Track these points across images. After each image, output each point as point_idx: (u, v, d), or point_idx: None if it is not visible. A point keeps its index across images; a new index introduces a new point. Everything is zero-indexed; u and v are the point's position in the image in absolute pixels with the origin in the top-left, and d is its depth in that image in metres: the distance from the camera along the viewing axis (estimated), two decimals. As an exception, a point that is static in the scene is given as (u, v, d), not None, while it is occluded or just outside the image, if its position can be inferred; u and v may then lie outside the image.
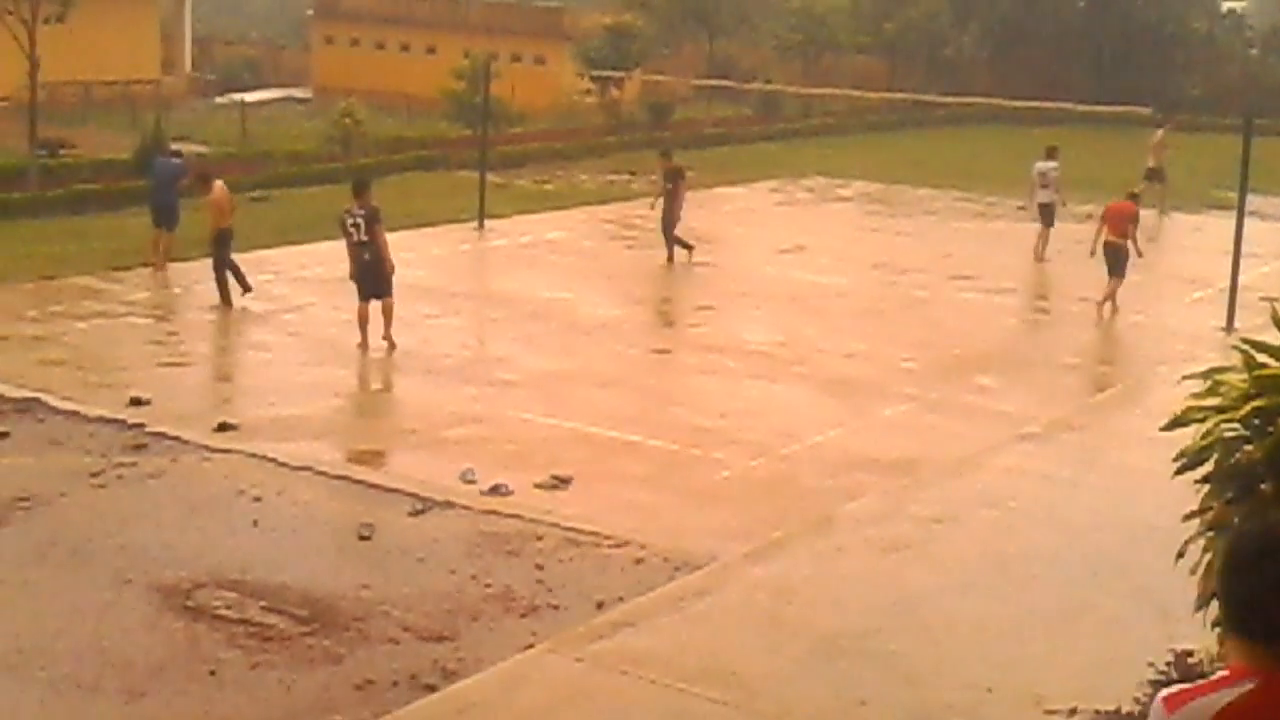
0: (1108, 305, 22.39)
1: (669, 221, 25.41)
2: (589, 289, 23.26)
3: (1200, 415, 8.31)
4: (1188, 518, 8.43)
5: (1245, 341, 8.45)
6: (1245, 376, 8.21)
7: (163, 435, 14.71)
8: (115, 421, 15.08)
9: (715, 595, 11.15)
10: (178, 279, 22.24)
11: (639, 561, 11.96)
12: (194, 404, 16.39)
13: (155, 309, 20.70)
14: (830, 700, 9.46)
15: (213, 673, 9.80)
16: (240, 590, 11.09)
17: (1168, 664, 8.96)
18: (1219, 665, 8.42)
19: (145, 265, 22.91)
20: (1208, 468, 8.25)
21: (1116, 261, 22.56)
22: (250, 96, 48.71)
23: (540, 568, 11.77)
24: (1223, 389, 8.32)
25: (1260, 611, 3.72)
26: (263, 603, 10.88)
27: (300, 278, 22.60)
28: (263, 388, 16.86)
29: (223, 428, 15.04)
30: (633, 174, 35.39)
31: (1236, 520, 8.05)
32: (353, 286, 18.83)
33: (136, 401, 15.77)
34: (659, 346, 20.03)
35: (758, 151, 42.38)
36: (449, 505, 13.08)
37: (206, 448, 14.44)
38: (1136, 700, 8.86)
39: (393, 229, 20.50)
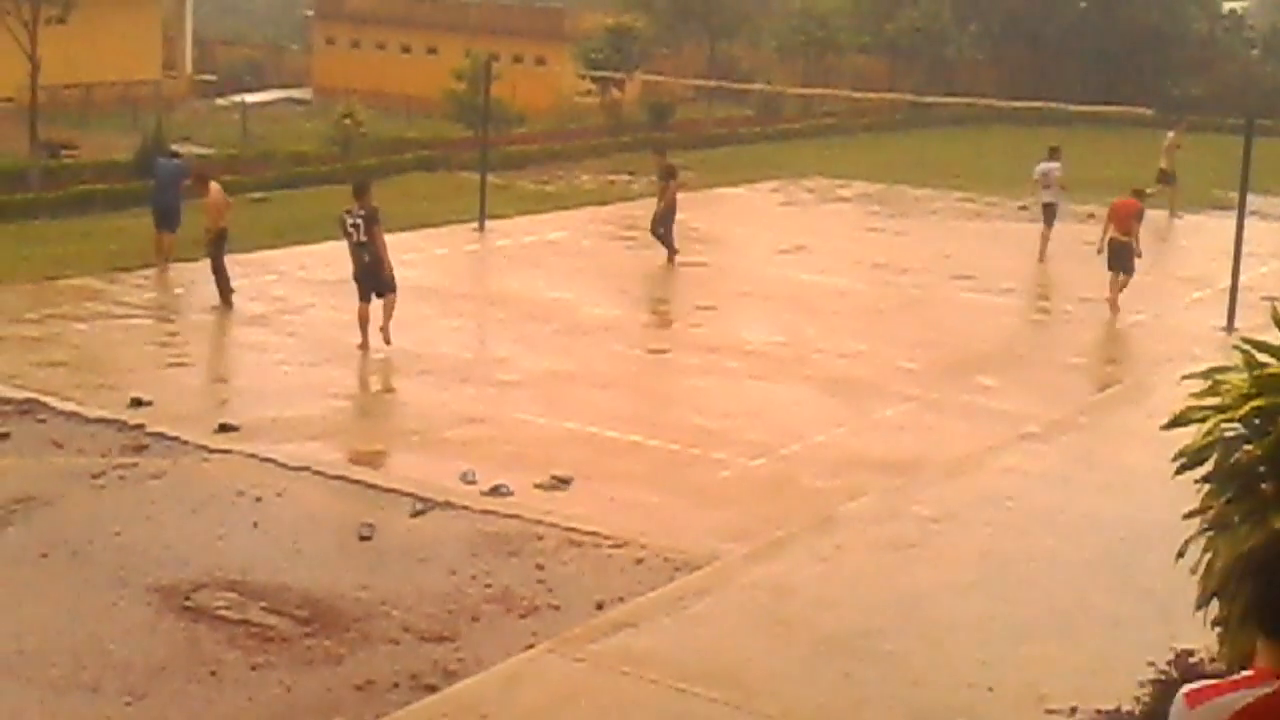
0: (1118, 300, 22.40)
1: (660, 219, 25.34)
2: (590, 289, 23.26)
3: (1200, 415, 8.31)
4: (1188, 517, 8.43)
5: (1245, 341, 8.46)
6: (1245, 376, 8.21)
7: (163, 436, 14.71)
8: (116, 422, 15.09)
9: (716, 595, 11.14)
10: (179, 280, 22.24)
11: (639, 561, 11.96)
12: (194, 405, 16.39)
13: (156, 310, 20.70)
14: (831, 700, 9.46)
15: (213, 674, 9.80)
16: (241, 591, 11.09)
17: (1168, 663, 8.95)
18: (1218, 664, 8.44)
19: (147, 266, 22.92)
20: (1208, 467, 8.25)
21: (1121, 259, 22.57)
22: (251, 98, 48.74)
23: (541, 568, 11.77)
24: (1223, 388, 8.32)
25: None
26: (263, 603, 10.88)
27: (301, 279, 22.60)
28: (263, 389, 16.86)
29: (223, 429, 15.04)
30: (633, 174, 35.40)
31: (1237, 519, 8.06)
32: (353, 287, 18.83)
33: (137, 402, 15.78)
34: (659, 347, 20.04)
35: (758, 152, 42.39)
36: (449, 506, 13.08)
37: (207, 449, 14.44)
38: (1137, 699, 8.86)
39: (394, 230, 20.52)
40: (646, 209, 27.02)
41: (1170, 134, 33.62)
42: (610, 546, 12.24)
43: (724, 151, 42.13)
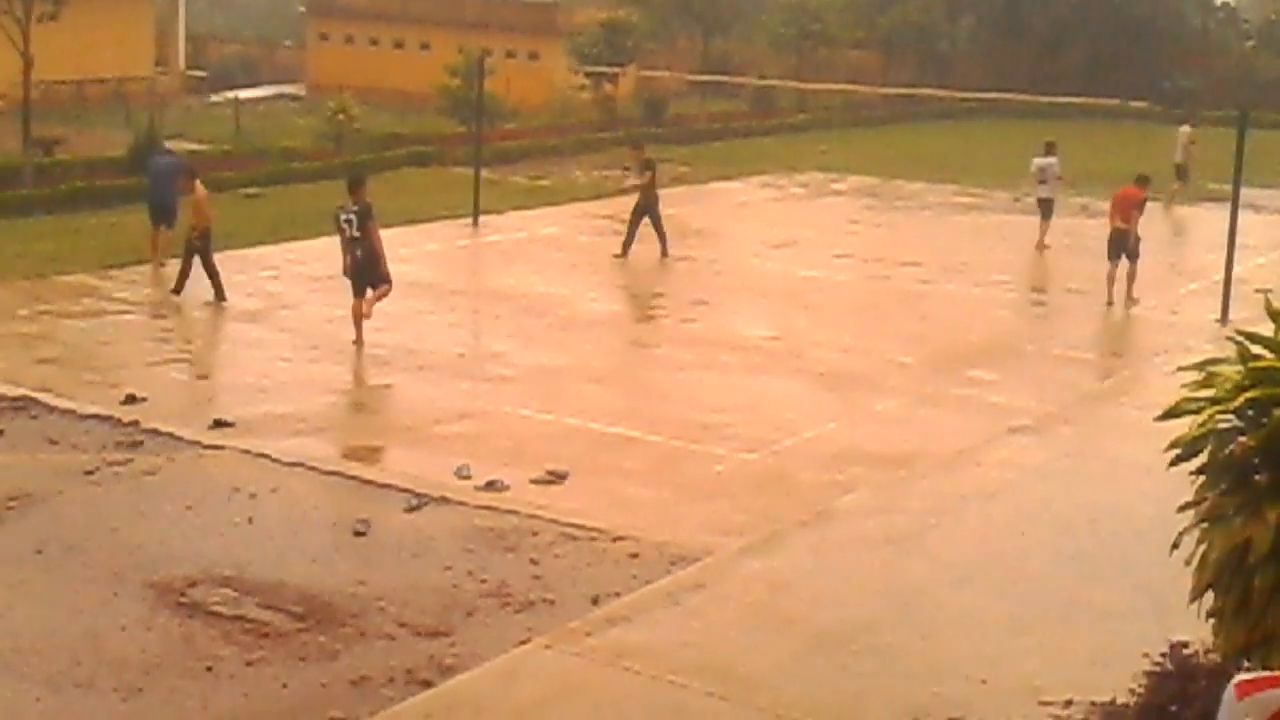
0: (1118, 293, 22.43)
1: (645, 211, 25.27)
2: (583, 284, 23.26)
3: (1195, 407, 8.30)
4: (1182, 509, 8.43)
5: (1239, 333, 8.44)
6: (1239, 368, 8.21)
7: (157, 432, 14.70)
8: (110, 419, 15.08)
9: (711, 589, 11.14)
10: (173, 276, 22.18)
11: (634, 556, 11.96)
12: (189, 401, 16.39)
13: (150, 306, 20.67)
14: (826, 694, 9.46)
15: (209, 669, 9.79)
16: (236, 587, 11.08)
17: (1163, 655, 8.94)
18: (1214, 656, 8.45)
19: (141, 262, 22.90)
20: (1202, 459, 8.25)
21: (1121, 248, 22.59)
22: (245, 94, 48.72)
23: (536, 563, 11.77)
24: (1217, 380, 8.32)
25: None
26: (258, 599, 10.87)
27: (295, 274, 22.59)
28: (257, 384, 16.85)
29: (217, 425, 15.04)
30: (627, 169, 35.35)
31: (1231, 511, 8.06)
32: (347, 282, 18.82)
33: (131, 399, 15.77)
34: (653, 341, 20.03)
35: (752, 146, 42.39)
36: (444, 501, 13.08)
37: (201, 445, 14.43)
38: (1132, 691, 8.86)
39: (387, 225, 20.51)
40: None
41: (1185, 128, 33.64)
42: (605, 541, 12.25)
43: (717, 146, 42.15)
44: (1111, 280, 22.64)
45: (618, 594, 11.11)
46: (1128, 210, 22.81)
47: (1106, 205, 24.02)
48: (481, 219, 28.02)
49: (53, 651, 9.97)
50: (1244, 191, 22.63)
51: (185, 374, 17.77)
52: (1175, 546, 8.41)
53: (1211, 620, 8.20)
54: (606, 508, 13.04)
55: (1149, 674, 8.81)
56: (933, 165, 38.07)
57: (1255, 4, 65.27)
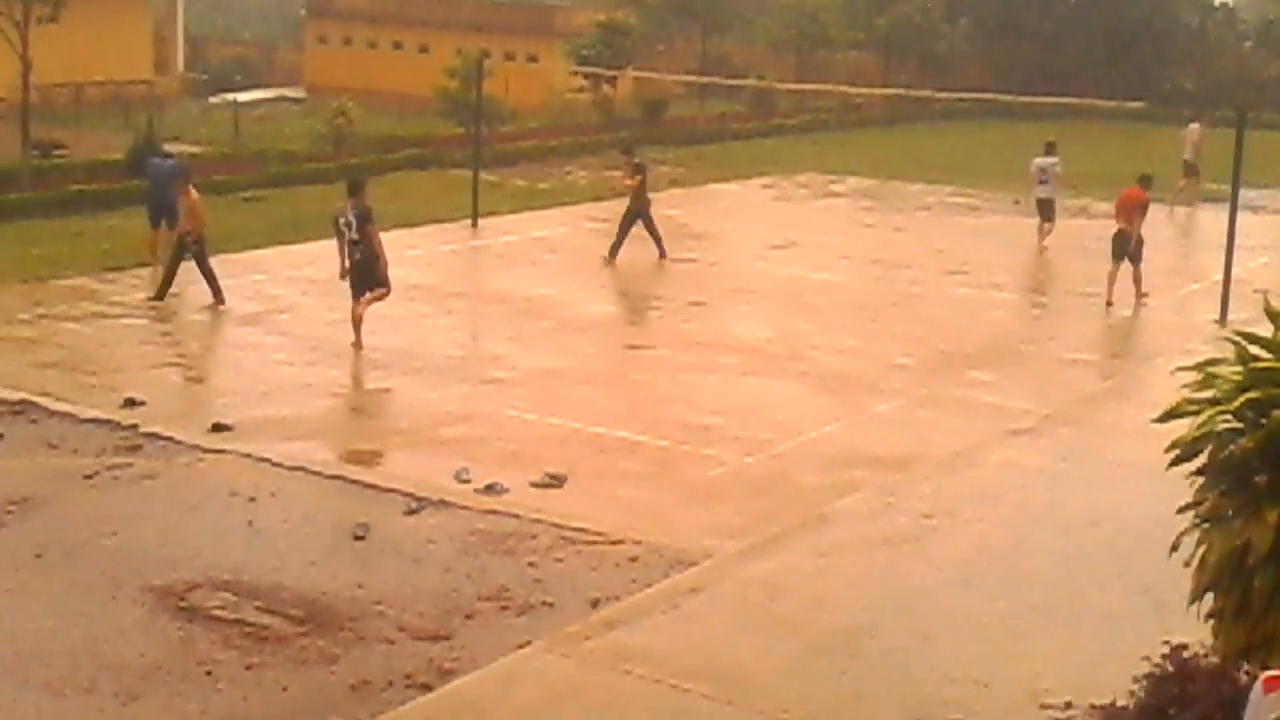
0: (1119, 294, 22.44)
1: (635, 217, 25.23)
2: (582, 286, 23.26)
3: (1194, 408, 8.31)
4: (1182, 510, 8.44)
5: (1238, 334, 8.45)
6: (1239, 369, 8.22)
7: (157, 436, 14.70)
8: (109, 423, 15.08)
9: (710, 592, 11.15)
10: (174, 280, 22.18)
11: (634, 559, 11.97)
12: (188, 405, 16.39)
13: (149, 310, 20.64)
14: (826, 696, 9.46)
15: (208, 674, 9.80)
16: (235, 591, 11.08)
17: (1163, 657, 8.94)
18: (1213, 658, 8.45)
19: (140, 266, 22.88)
20: (1201, 460, 8.25)
21: (1123, 249, 22.59)
22: (243, 96, 48.66)
23: (535, 566, 11.78)
24: (1216, 381, 8.32)
25: None
26: (258, 603, 10.88)
27: (293, 277, 22.57)
28: (257, 388, 16.84)
29: (217, 428, 15.03)
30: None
31: (1230, 513, 8.06)
32: (345, 286, 18.82)
33: (130, 403, 15.77)
34: (652, 343, 20.02)
35: (751, 148, 42.38)
36: (444, 504, 13.08)
37: (201, 448, 14.43)
38: (1131, 693, 8.86)
39: (386, 228, 20.51)
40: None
41: (1194, 126, 33.61)
42: (604, 544, 12.25)
43: (716, 147, 42.14)
44: (1112, 280, 22.62)
45: (617, 597, 11.12)
46: (1130, 212, 22.81)
47: (1105, 206, 24.03)
48: (480, 221, 28.01)
49: (52, 656, 9.97)
50: (1243, 192, 22.62)
51: (184, 377, 17.76)
52: (1175, 548, 8.42)
53: (1211, 622, 8.21)
54: (606, 511, 13.04)
55: (1148, 676, 8.81)
56: (931, 166, 38.06)
57: (1253, 4, 65.26)
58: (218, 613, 10.71)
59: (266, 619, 10.63)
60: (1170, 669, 8.74)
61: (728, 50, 56.34)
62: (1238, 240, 22.20)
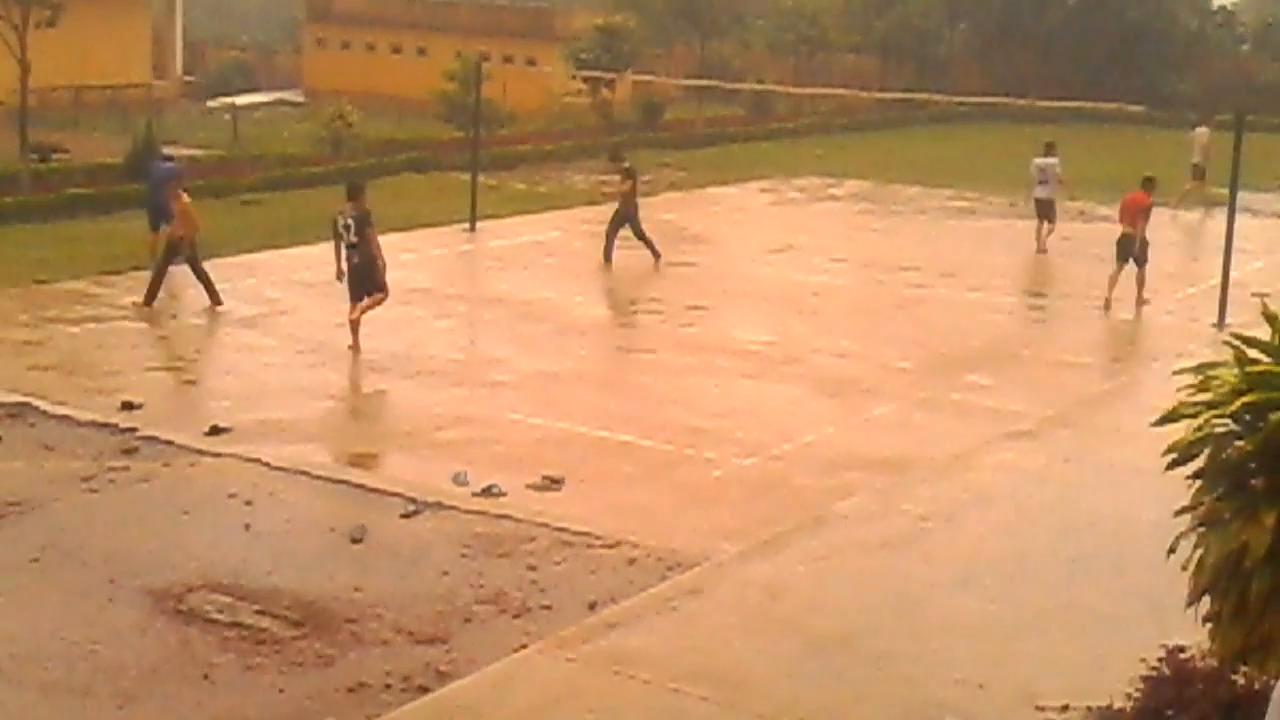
0: (1119, 295, 22.43)
1: (623, 222, 25.19)
2: (581, 290, 23.27)
3: (1191, 411, 8.30)
4: (1179, 513, 8.43)
5: (1236, 337, 8.44)
6: (1236, 372, 8.21)
7: (154, 439, 14.69)
8: (107, 426, 15.07)
9: (708, 595, 11.15)
10: (170, 283, 22.14)
11: (631, 562, 11.97)
12: (186, 408, 16.39)
13: (147, 313, 20.62)
14: (823, 699, 9.46)
15: (205, 676, 9.80)
16: (232, 594, 11.08)
17: (1160, 660, 8.94)
18: (1210, 660, 8.45)
19: (138, 269, 22.84)
20: (1199, 463, 8.25)
21: (1127, 252, 22.59)
22: (242, 100, 48.67)
23: (532, 569, 11.77)
24: (1214, 384, 8.32)
25: None
26: (255, 606, 10.87)
27: (292, 280, 22.56)
28: (254, 391, 16.83)
29: (214, 431, 15.02)
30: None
31: (1228, 516, 8.06)
32: (343, 289, 18.83)
33: (128, 406, 15.76)
34: (650, 346, 20.01)
35: (749, 151, 42.40)
36: (441, 507, 13.08)
37: (198, 451, 14.42)
38: (1128, 696, 8.86)
39: (385, 231, 20.49)
40: (639, 208, 26.90)
41: (1202, 130, 33.58)
42: (602, 547, 12.25)
43: (715, 151, 42.15)
44: (1113, 283, 22.63)
45: (614, 600, 11.12)
46: (1134, 215, 22.81)
47: (1104, 210, 24.04)
48: (479, 224, 28.00)
49: (49, 658, 9.96)
50: (1241, 195, 22.63)
51: (182, 380, 17.76)
52: (1172, 551, 8.41)
53: (1208, 624, 8.20)
54: (603, 513, 13.04)
55: (1145, 678, 8.81)
56: (929, 169, 38.07)
57: (1251, 7, 65.31)
58: (215, 615, 10.71)
59: (264, 621, 10.63)
60: (1167, 671, 8.74)
61: (726, 54, 56.35)
62: (1236, 244, 22.22)
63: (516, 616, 10.89)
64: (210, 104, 49.70)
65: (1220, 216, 29.59)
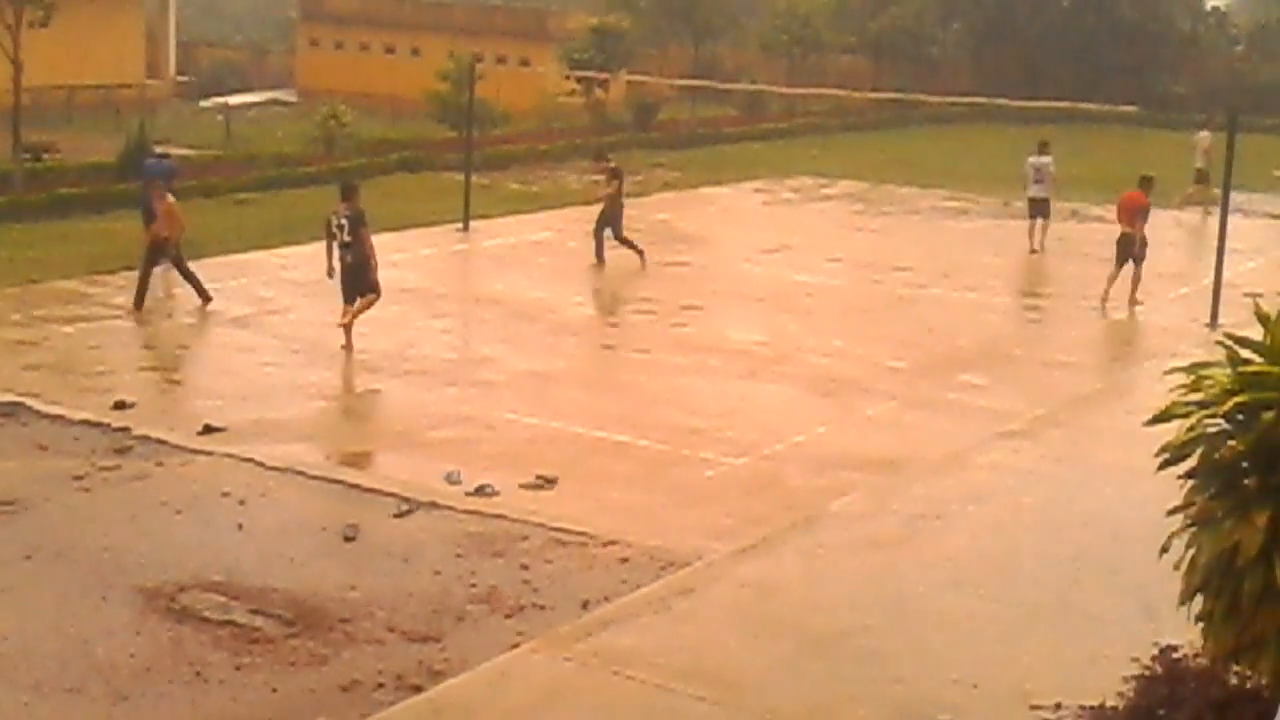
0: (1115, 295, 22.45)
1: (608, 223, 25.14)
2: (574, 290, 23.27)
3: (1184, 410, 8.32)
4: (1172, 513, 8.44)
5: (1229, 337, 8.46)
6: (1229, 372, 8.22)
7: (147, 438, 14.68)
8: (99, 425, 15.06)
9: (701, 594, 11.14)
10: (162, 282, 22.15)
11: (624, 561, 11.97)
12: (178, 407, 16.38)
13: (137, 313, 20.60)
14: (817, 697, 9.46)
15: (198, 675, 9.79)
16: (225, 592, 11.07)
17: (1152, 659, 8.96)
18: (1202, 659, 8.46)
19: (130, 268, 22.78)
20: (1191, 463, 8.26)
21: (1128, 252, 22.60)
22: (235, 99, 48.65)
23: (526, 568, 11.77)
24: (1206, 384, 8.33)
25: None
26: (248, 605, 10.87)
27: (285, 280, 22.55)
28: (247, 390, 16.82)
29: (207, 430, 15.01)
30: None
31: (1220, 515, 8.07)
32: (336, 288, 18.83)
33: (121, 405, 15.75)
34: (643, 346, 20.01)
35: (743, 151, 42.41)
36: (434, 506, 13.08)
37: (191, 450, 14.41)
38: (1121, 695, 8.87)
39: (378, 230, 20.49)
40: (632, 208, 26.93)
41: (1204, 133, 33.55)
42: (595, 546, 12.25)
43: (708, 151, 42.15)
44: (1111, 282, 22.64)
45: (607, 599, 11.11)
46: (1131, 215, 22.82)
47: (1097, 210, 24.06)
48: (472, 224, 28.00)
49: (41, 657, 9.95)
50: (1234, 196, 22.66)
51: (175, 379, 17.76)
52: (1164, 550, 8.42)
53: (1200, 624, 8.22)
54: (596, 512, 13.04)
55: (1138, 677, 8.83)
56: (923, 170, 38.09)
57: (1244, 8, 65.41)
58: (208, 614, 10.70)
59: (256, 620, 10.62)
60: (1160, 670, 8.76)
61: (720, 54, 56.38)
62: (1230, 244, 22.25)
63: (509, 616, 10.89)
64: (203, 104, 49.67)
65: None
